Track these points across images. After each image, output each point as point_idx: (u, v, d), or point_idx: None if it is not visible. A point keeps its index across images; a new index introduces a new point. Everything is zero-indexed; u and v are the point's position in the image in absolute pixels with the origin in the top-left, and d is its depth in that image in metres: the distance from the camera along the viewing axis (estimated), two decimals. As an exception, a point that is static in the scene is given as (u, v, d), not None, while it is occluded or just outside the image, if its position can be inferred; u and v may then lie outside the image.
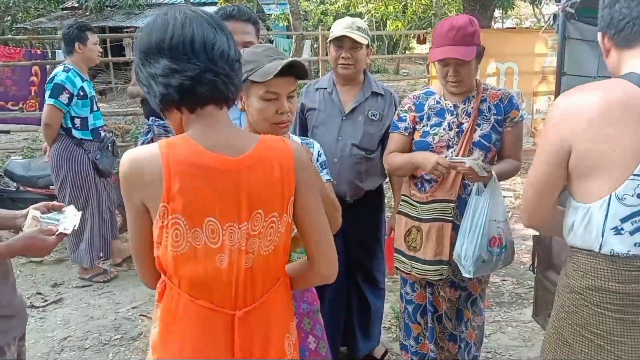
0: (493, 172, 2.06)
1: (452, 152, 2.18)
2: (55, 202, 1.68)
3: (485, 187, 2.08)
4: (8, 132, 5.50)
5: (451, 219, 2.17)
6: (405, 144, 2.31)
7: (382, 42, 18.93)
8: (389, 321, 3.36)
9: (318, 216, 1.32)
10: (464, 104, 2.21)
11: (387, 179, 2.74)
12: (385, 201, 2.98)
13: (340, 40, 2.48)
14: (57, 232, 1.58)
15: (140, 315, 3.54)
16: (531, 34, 6.91)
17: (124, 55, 12.62)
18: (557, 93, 2.83)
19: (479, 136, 2.19)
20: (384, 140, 2.62)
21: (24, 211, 1.63)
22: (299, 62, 1.60)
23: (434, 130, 2.22)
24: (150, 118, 4.84)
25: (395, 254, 2.36)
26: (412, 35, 18.51)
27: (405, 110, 2.30)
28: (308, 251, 1.35)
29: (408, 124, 2.28)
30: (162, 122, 4.81)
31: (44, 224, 1.59)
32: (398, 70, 18.53)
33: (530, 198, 1.49)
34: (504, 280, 3.88)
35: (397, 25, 16.18)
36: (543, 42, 6.27)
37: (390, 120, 2.62)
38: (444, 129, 2.20)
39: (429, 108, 2.25)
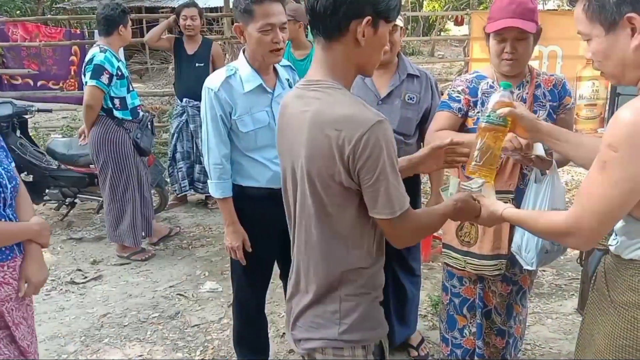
0: (553, 160, 1.94)
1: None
2: None
3: (542, 174, 1.98)
4: (50, 110, 5.60)
5: None
6: (455, 124, 2.15)
7: (416, 24, 18.57)
8: (425, 309, 3.32)
9: None
10: (519, 90, 2.11)
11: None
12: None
13: None
14: None
15: (177, 294, 3.60)
16: (576, 16, 6.63)
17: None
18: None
19: None
20: (421, 124, 2.55)
21: None
22: None
23: None
24: (184, 99, 4.86)
25: (445, 250, 2.28)
26: (449, 16, 18.07)
27: (458, 91, 2.16)
28: None
29: (462, 105, 2.14)
30: (195, 102, 4.81)
31: None
32: (433, 53, 18.15)
33: (593, 228, 1.25)
34: (544, 271, 3.78)
35: (434, 6, 15.83)
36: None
37: (428, 103, 2.55)
38: None
39: (482, 93, 2.13)
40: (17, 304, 1.74)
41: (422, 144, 2.60)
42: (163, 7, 13.26)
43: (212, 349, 3.00)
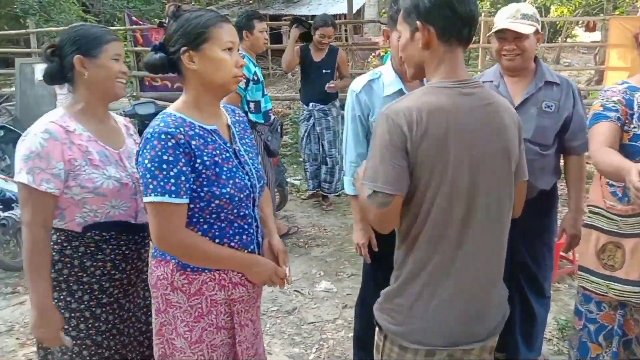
0: None
1: None
2: None
3: None
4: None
5: None
6: (617, 135, 1.94)
7: (542, 29, 17.58)
8: (550, 332, 3.14)
9: None
10: None
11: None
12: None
13: (502, 32, 2.28)
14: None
15: (294, 290, 3.72)
16: None
17: (282, 42, 13.26)
18: None
19: None
20: (560, 134, 2.41)
21: None
22: None
23: None
24: (310, 104, 5.05)
25: (581, 273, 2.13)
26: (579, 22, 16.87)
27: (614, 101, 1.99)
28: None
29: (620, 115, 1.96)
30: (321, 106, 5.01)
31: None
32: (558, 60, 17.06)
33: None
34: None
35: (562, 11, 14.85)
36: None
37: (569, 111, 2.39)
38: None
39: (639, 106, 1.97)
40: (248, 305, 1.71)
41: (561, 155, 2.47)
42: (286, 15, 13.84)
43: (327, 348, 3.07)
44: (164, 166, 1.46)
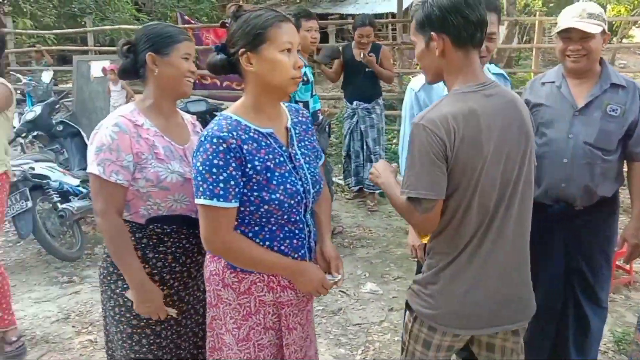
0: None
1: None
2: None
3: None
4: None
5: None
6: None
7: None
8: (605, 344, 3.02)
9: None
10: None
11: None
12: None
13: (567, 32, 2.20)
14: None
15: (340, 290, 3.72)
16: None
17: (328, 42, 13.28)
18: None
19: None
20: (625, 139, 2.31)
21: None
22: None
23: None
24: (354, 102, 5.07)
25: None
26: (636, 22, 16.17)
27: None
28: None
29: None
30: (365, 105, 5.02)
31: None
32: (613, 61, 16.41)
33: None
34: None
35: (619, 10, 14.30)
36: None
37: (635, 116, 2.28)
38: None
39: None
40: (297, 309, 1.70)
41: (625, 161, 2.37)
42: (332, 14, 13.85)
43: (373, 350, 3.06)
44: (214, 170, 1.48)
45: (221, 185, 1.49)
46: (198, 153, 1.51)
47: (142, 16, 15.35)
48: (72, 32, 10.73)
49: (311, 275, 1.64)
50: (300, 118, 1.75)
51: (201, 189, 1.50)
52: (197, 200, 1.52)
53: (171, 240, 1.80)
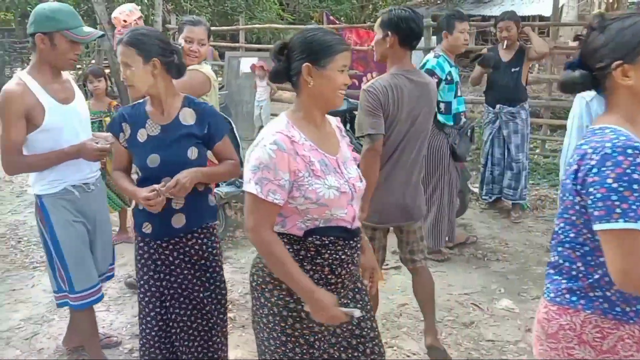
0: None
1: None
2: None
3: None
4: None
5: None
6: None
7: None
8: None
9: None
10: None
11: None
12: None
13: None
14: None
15: (472, 303, 3.59)
16: None
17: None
18: None
19: None
20: None
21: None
22: None
23: None
24: (497, 106, 4.83)
25: None
26: None
27: None
28: None
29: None
30: (509, 108, 4.78)
31: None
32: None
33: None
34: None
35: None
36: None
37: None
38: None
39: None
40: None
41: None
42: (475, 16, 13.36)
43: (508, 370, 2.90)
44: (635, 187, 1.28)
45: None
46: (605, 168, 1.30)
47: (286, 15, 16.06)
48: (225, 29, 11.51)
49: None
50: None
51: (618, 210, 1.28)
52: (614, 225, 1.29)
53: (328, 252, 1.76)
